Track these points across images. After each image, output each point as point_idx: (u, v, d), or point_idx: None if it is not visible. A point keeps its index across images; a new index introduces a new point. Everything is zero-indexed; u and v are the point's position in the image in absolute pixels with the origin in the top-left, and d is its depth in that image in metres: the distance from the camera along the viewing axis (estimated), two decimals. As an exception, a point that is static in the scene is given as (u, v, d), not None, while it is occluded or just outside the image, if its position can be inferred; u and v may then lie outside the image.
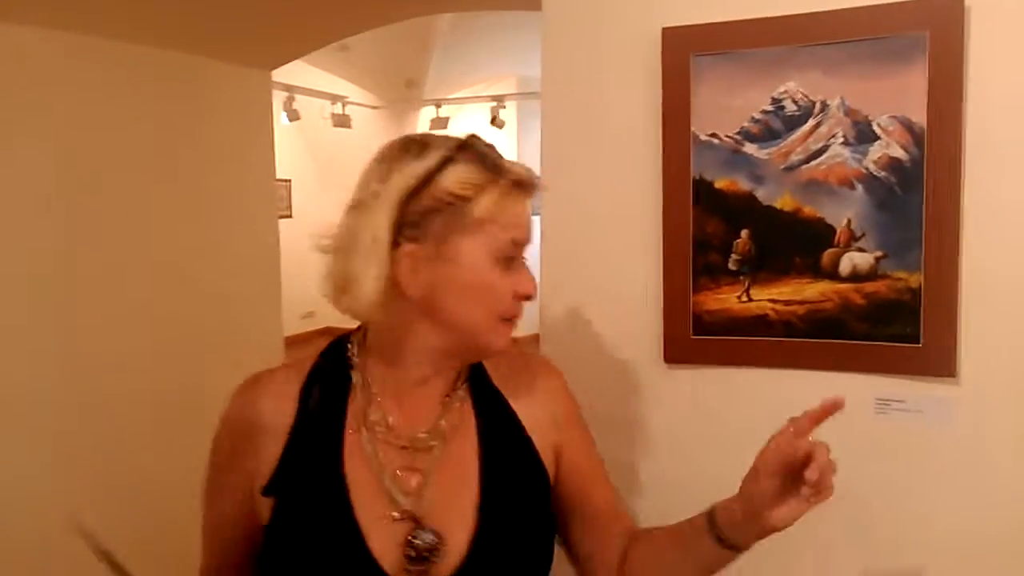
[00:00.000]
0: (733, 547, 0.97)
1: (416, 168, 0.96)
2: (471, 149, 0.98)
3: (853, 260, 1.36)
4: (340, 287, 0.98)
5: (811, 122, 1.36)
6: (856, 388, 1.38)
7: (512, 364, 1.13)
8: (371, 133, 9.28)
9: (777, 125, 1.38)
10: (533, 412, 1.10)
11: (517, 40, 7.32)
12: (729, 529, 0.96)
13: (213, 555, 1.11)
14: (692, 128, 1.42)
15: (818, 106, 1.36)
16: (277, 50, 3.06)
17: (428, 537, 0.96)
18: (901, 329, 1.33)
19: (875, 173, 1.33)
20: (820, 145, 1.36)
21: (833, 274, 1.37)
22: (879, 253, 1.34)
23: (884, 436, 1.36)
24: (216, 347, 3.04)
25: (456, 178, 0.95)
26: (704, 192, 1.42)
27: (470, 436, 1.05)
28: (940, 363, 1.32)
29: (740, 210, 1.41)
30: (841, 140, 1.35)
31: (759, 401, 1.44)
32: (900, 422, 1.35)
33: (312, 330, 9.76)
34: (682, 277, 1.44)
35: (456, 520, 0.99)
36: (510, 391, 1.10)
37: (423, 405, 1.04)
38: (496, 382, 1.11)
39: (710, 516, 0.99)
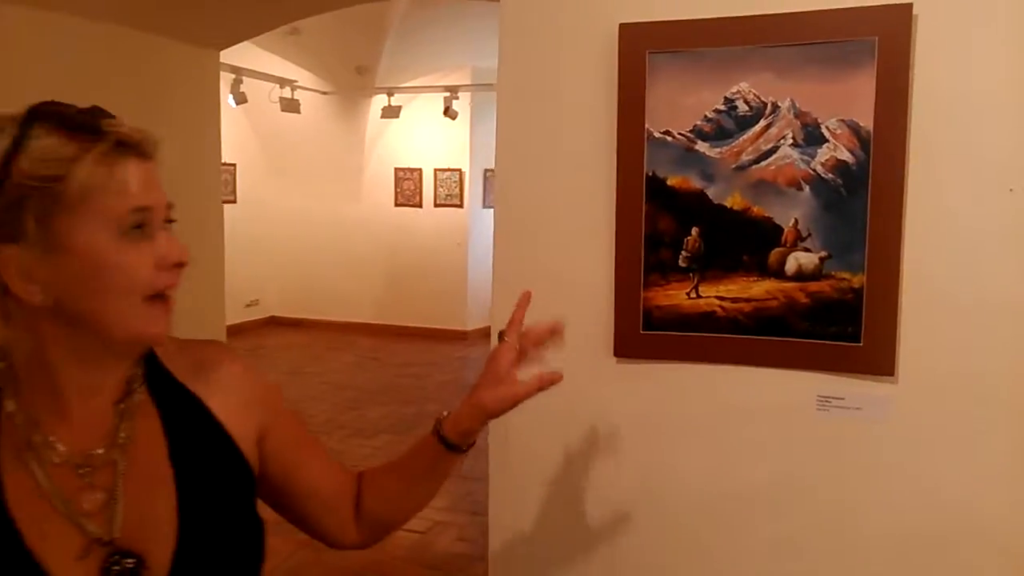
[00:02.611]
0: (457, 448, 1.09)
1: None
2: (44, 119, 0.83)
3: (799, 260, 1.39)
4: None
5: (762, 123, 1.39)
6: (799, 385, 1.41)
7: (191, 355, 1.02)
8: (320, 119, 9.15)
9: (729, 125, 1.40)
10: (225, 402, 1.00)
11: (472, 31, 7.28)
12: (457, 436, 1.09)
13: None
14: (646, 125, 1.43)
15: (769, 107, 1.38)
16: (227, 30, 3.00)
17: (127, 560, 0.86)
18: (843, 328, 1.37)
19: (822, 175, 1.36)
20: (770, 146, 1.38)
21: (779, 273, 1.40)
22: (824, 253, 1.37)
23: (825, 432, 1.40)
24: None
25: (35, 158, 0.81)
26: (656, 189, 1.44)
27: (157, 441, 0.94)
28: (880, 362, 1.35)
29: (691, 208, 1.43)
30: (790, 142, 1.37)
31: (705, 397, 1.46)
32: (840, 419, 1.39)
33: (257, 319, 9.62)
34: (633, 273, 1.46)
35: (155, 535, 0.89)
36: (197, 384, 0.99)
37: (95, 417, 0.92)
38: (179, 377, 0.99)
39: (437, 429, 1.09)
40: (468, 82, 8.55)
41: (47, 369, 0.89)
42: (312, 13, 3.03)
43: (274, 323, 9.83)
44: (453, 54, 8.19)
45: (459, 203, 8.95)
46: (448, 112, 8.28)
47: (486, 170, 9.13)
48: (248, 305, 9.36)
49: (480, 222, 9.09)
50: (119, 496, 0.89)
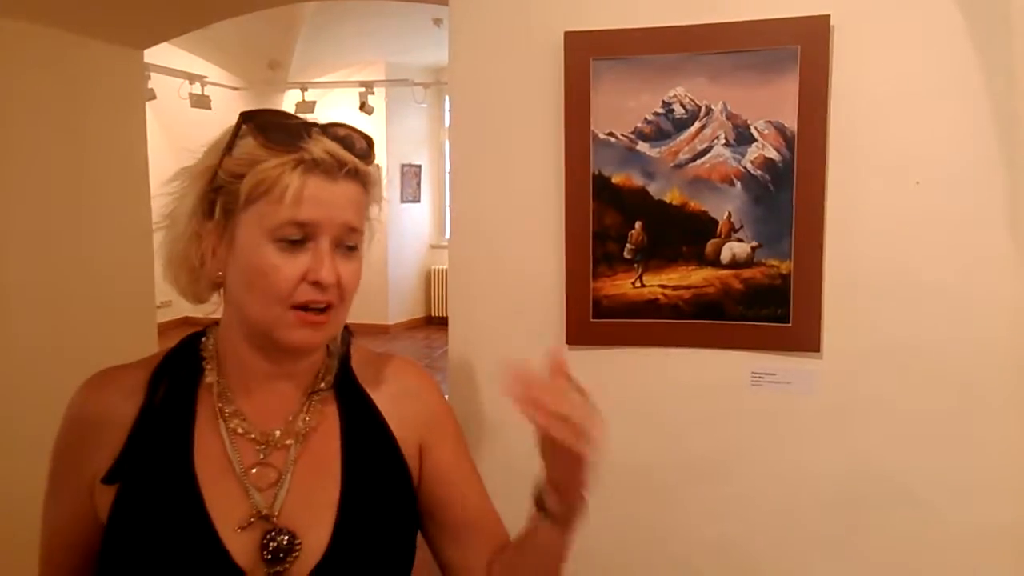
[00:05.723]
0: (560, 521, 0.98)
1: (217, 144, 0.96)
2: (256, 124, 0.93)
3: (732, 249, 1.52)
4: (167, 268, 0.99)
5: (697, 124, 1.51)
6: (734, 363, 1.54)
7: (379, 365, 1.12)
8: (232, 115, 8.75)
9: (667, 126, 1.52)
10: (399, 412, 1.08)
11: (384, 27, 7.26)
12: (553, 504, 0.98)
13: (50, 561, 1.05)
14: (591, 127, 1.53)
15: (703, 110, 1.50)
16: (150, 28, 2.95)
17: (282, 537, 0.93)
18: (773, 311, 1.50)
19: (752, 172, 1.49)
20: (705, 145, 1.51)
21: (715, 262, 1.52)
22: (755, 243, 1.50)
23: (759, 405, 1.53)
24: (85, 340, 2.91)
25: (234, 156, 0.93)
26: (602, 187, 1.54)
27: (332, 435, 1.02)
28: (807, 340, 1.50)
29: (634, 204, 1.54)
30: (723, 141, 1.50)
31: (651, 377, 1.58)
32: (772, 392, 1.53)
33: (169, 320, 9.35)
34: (583, 265, 1.56)
35: (314, 520, 0.96)
36: (376, 391, 1.08)
37: (279, 401, 1.01)
38: (362, 382, 1.08)
39: (537, 498, 0.99)
40: (382, 77, 8.53)
41: (236, 349, 1.00)
42: (242, 12, 3.01)
43: (188, 324, 9.58)
44: (366, 49, 8.15)
45: (377, 198, 8.92)
46: (364, 107, 8.24)
47: (403, 165, 9.13)
48: (159, 306, 9.11)
49: (399, 217, 9.08)
50: (286, 478, 0.97)
